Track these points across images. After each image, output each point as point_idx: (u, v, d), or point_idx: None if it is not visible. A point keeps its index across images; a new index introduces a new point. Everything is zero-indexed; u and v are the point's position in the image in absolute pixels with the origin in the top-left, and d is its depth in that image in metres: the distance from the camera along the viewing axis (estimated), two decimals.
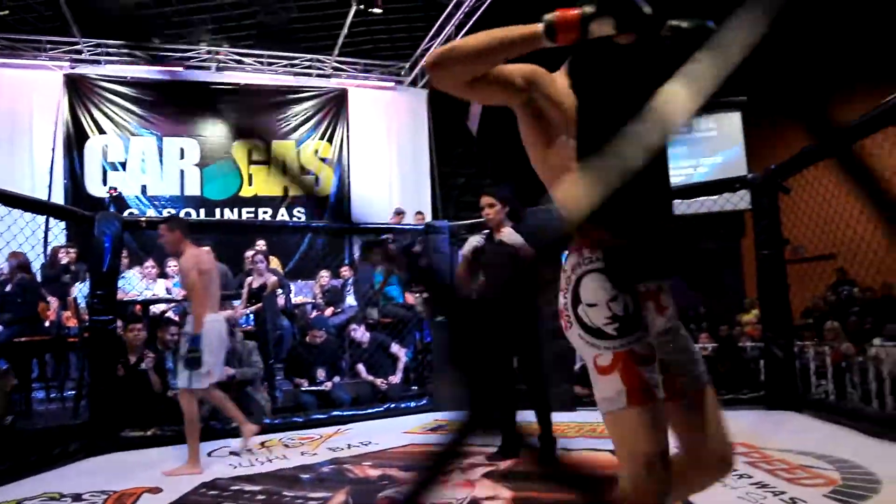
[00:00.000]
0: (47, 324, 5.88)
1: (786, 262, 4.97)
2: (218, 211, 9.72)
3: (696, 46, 1.11)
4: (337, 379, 5.90)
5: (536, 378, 3.86)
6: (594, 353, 1.43)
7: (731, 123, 11.02)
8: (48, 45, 9.19)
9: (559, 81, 1.50)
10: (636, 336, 1.40)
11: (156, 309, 6.37)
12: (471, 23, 9.25)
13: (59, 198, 8.83)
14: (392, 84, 10.89)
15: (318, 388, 5.71)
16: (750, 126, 10.89)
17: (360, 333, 6.17)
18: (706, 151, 11.12)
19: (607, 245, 1.44)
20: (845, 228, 4.89)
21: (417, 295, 6.71)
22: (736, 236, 10.24)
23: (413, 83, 10.86)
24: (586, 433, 4.63)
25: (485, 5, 8.94)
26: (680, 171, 11.11)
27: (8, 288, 5.63)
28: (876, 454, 3.46)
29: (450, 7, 9.17)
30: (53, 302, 6.05)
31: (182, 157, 9.71)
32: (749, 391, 5.21)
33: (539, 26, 1.33)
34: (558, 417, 5.10)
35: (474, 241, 4.00)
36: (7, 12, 8.60)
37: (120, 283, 5.80)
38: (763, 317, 5.26)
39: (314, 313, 7.10)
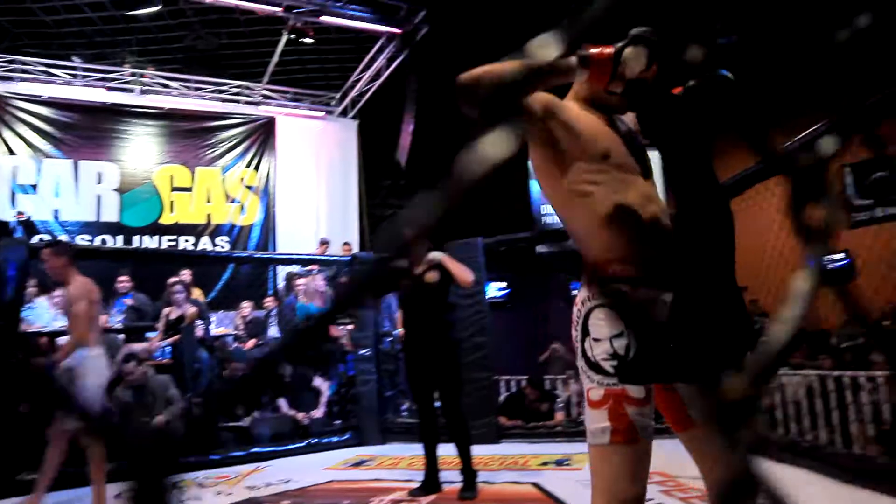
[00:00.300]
0: None
1: None
2: (137, 238, 9.35)
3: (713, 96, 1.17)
4: (257, 414, 5.72)
5: (455, 411, 3.86)
6: (588, 385, 1.45)
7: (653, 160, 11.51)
8: None
9: (573, 109, 1.55)
10: (633, 379, 1.40)
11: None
12: (401, 56, 9.37)
13: None
14: (322, 114, 10.86)
15: (237, 423, 5.52)
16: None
17: (282, 366, 6.02)
18: None
19: (617, 279, 1.46)
20: (755, 262, 5.15)
21: (342, 327, 6.62)
22: None
23: (343, 113, 10.87)
24: (509, 465, 4.65)
25: (415, 41, 9.08)
26: None
27: None
28: (782, 478, 3.60)
29: (381, 40, 9.26)
30: None
31: (99, 181, 9.32)
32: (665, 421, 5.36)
33: (573, 59, 1.39)
34: (482, 450, 5.11)
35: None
36: None
37: (27, 313, 5.49)
38: None
39: (235, 345, 6.89)
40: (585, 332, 1.46)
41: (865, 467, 3.65)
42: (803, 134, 3.79)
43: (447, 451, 3.90)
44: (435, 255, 3.88)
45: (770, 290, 8.72)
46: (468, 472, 3.84)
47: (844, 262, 8.80)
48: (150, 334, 6.07)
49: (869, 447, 4.03)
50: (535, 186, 11.99)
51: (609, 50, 1.38)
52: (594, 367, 1.43)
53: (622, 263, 1.46)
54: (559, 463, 4.62)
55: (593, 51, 1.39)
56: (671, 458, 4.41)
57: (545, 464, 4.63)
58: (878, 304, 6.63)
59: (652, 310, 1.44)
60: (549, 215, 11.83)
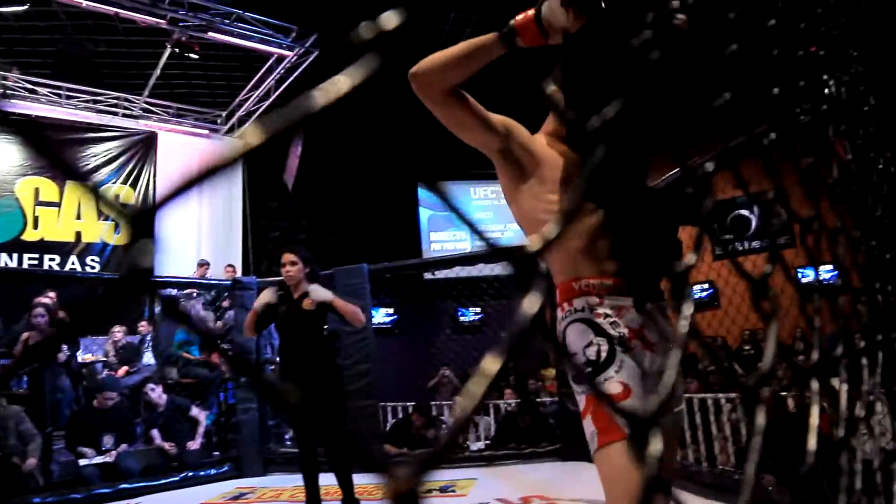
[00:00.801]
0: None
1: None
2: None
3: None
4: (124, 447, 5.34)
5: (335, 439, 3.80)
6: (577, 399, 1.47)
7: None
8: None
9: (537, 138, 1.60)
10: (603, 377, 1.41)
11: None
12: (291, 78, 9.27)
13: None
14: (207, 132, 10.50)
15: (102, 458, 5.13)
16: None
17: (157, 395, 5.69)
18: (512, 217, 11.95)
19: (583, 293, 1.49)
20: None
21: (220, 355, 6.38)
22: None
23: (229, 132, 10.56)
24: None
25: (306, 63, 9.02)
26: (488, 235, 11.80)
27: None
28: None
29: (271, 61, 9.12)
30: None
31: None
32: (547, 444, 5.55)
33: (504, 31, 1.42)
34: (366, 479, 5.05)
35: (267, 295, 3.91)
36: None
37: None
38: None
39: (105, 372, 6.43)
40: (566, 352, 1.50)
41: (725, 483, 3.95)
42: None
43: (329, 480, 3.83)
44: (323, 293, 3.81)
45: None
46: (350, 502, 3.79)
47: (708, 291, 9.54)
48: (1, 361, 5.56)
49: (730, 463, 4.35)
50: (423, 214, 12.19)
51: (530, 11, 1.43)
52: (575, 379, 1.47)
53: (591, 278, 1.51)
54: (443, 490, 4.66)
55: (517, 17, 1.44)
56: (551, 481, 4.59)
57: (429, 491, 4.63)
58: (736, 331, 7.21)
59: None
60: (437, 242, 12.06)
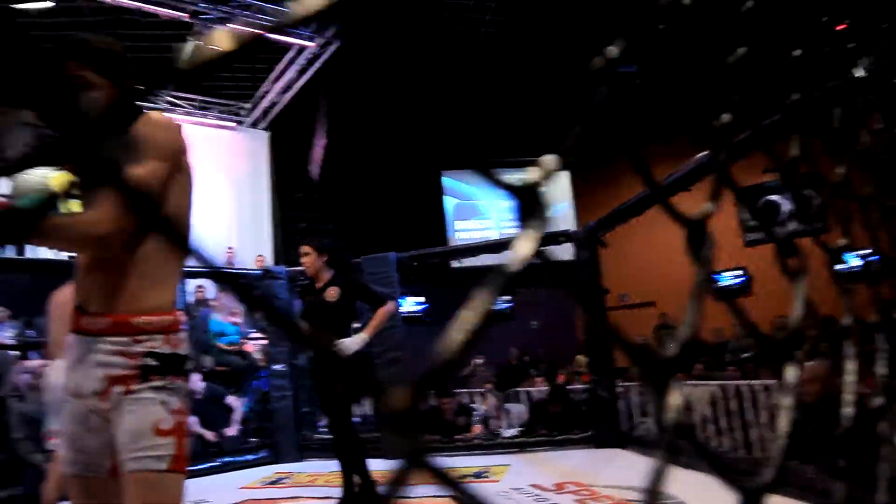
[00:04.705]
0: None
1: (609, 308, 5.42)
2: (29, 249, 8.72)
3: None
4: None
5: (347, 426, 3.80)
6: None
7: (560, 180, 11.94)
8: None
9: None
10: None
11: None
12: (313, 68, 9.29)
13: None
14: (233, 124, 10.57)
15: None
16: (579, 185, 11.90)
17: (194, 382, 5.79)
18: None
19: None
20: (661, 278, 5.46)
21: (257, 342, 6.46)
22: (568, 285, 10.99)
23: (254, 124, 10.62)
24: (427, 480, 4.65)
25: (328, 53, 9.04)
26: (511, 226, 11.83)
27: None
28: (690, 484, 3.80)
29: (292, 52, 9.15)
30: None
31: None
32: (579, 431, 5.55)
33: None
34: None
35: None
36: None
37: None
38: (589, 361, 5.67)
39: None
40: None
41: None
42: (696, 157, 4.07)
43: (375, 466, 3.85)
44: (352, 345, 3.65)
45: (676, 303, 9.21)
46: (350, 488, 3.78)
47: (741, 278, 9.44)
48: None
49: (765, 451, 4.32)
50: (448, 203, 12.20)
51: None
52: None
53: None
54: (477, 475, 4.68)
55: None
56: (584, 467, 4.59)
57: (463, 477, 4.65)
58: (768, 317, 7.13)
59: None
60: (463, 231, 12.06)
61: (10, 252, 8.50)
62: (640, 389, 6.15)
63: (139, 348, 1.45)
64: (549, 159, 0.38)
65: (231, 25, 8.20)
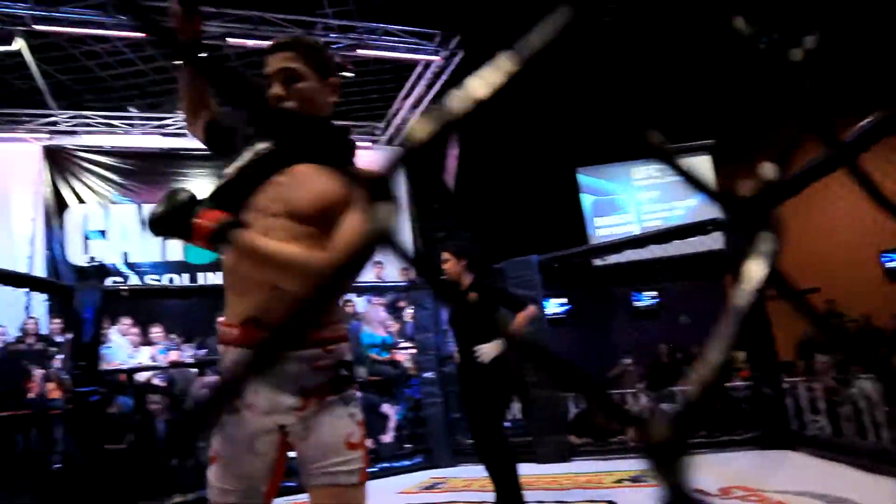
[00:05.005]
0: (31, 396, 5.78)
1: (768, 298, 5.04)
2: (201, 276, 9.64)
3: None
4: None
5: (494, 432, 3.78)
6: None
7: (703, 166, 11.32)
8: (25, 118, 9.23)
9: None
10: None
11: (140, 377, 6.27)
12: (440, 82, 9.50)
13: (40, 267, 8.72)
14: (369, 144, 11.05)
15: None
16: (721, 167, 11.21)
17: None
18: (681, 194, 11.39)
19: None
20: (825, 263, 5.01)
21: (407, 352, 6.68)
22: (720, 276, 10.38)
23: (389, 142, 11.03)
24: (582, 484, 4.58)
25: (453, 65, 9.20)
26: (657, 215, 11.35)
27: None
28: (873, 491, 3.45)
29: (419, 67, 9.41)
30: (37, 375, 5.95)
31: None
32: (743, 431, 5.21)
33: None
34: (553, 469, 5.06)
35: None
36: None
37: (105, 351, 5.72)
38: (749, 356, 5.30)
39: None
40: None
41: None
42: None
43: (527, 470, 3.84)
44: (491, 351, 3.65)
45: (845, 289, 8.42)
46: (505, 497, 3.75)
47: None
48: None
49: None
50: (586, 200, 11.96)
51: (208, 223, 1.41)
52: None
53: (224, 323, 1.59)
54: (635, 479, 4.53)
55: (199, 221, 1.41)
56: (752, 470, 4.29)
57: (620, 481, 4.55)
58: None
59: None
60: (604, 227, 11.77)
61: (185, 280, 9.44)
62: (808, 385, 5.67)
63: (329, 359, 1.46)
64: (768, 167, 0.36)
65: (359, 51, 8.60)
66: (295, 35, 1.58)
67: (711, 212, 9.84)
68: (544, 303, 6.56)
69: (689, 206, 11.24)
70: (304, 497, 1.52)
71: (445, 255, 3.89)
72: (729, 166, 10.74)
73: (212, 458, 1.43)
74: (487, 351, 3.66)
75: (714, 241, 5.54)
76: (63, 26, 7.60)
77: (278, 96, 1.49)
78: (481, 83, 0.30)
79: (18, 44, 7.60)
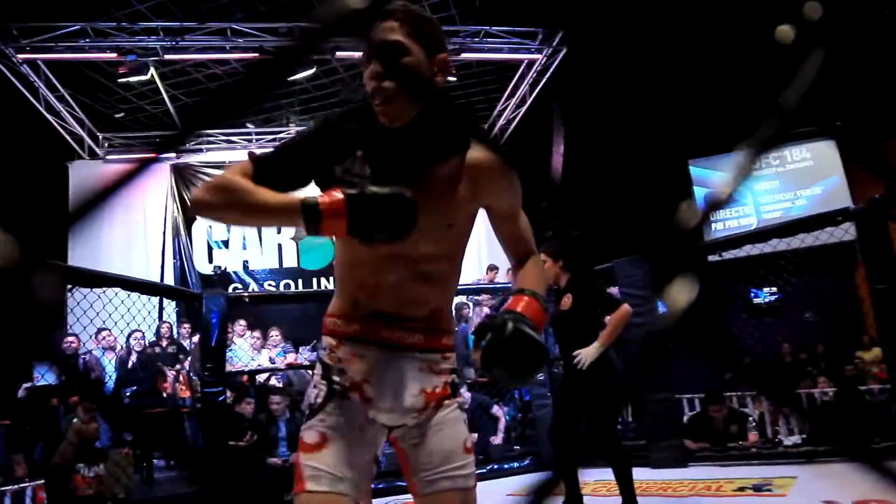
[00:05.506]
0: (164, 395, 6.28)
1: None
2: (315, 281, 10.08)
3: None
4: None
5: (609, 437, 3.67)
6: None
7: (827, 152, 10.54)
8: (157, 140, 10.03)
9: None
10: (309, 423, 1.44)
11: (260, 378, 6.65)
12: (544, 80, 9.40)
13: (170, 276, 9.46)
14: None
15: None
16: (849, 152, 10.38)
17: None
18: (803, 183, 10.67)
19: None
20: None
21: None
22: (848, 269, 9.63)
23: None
24: (700, 491, 4.39)
25: (556, 62, 9.09)
26: (776, 206, 10.68)
27: (130, 364, 6.09)
28: None
29: (522, 67, 9.37)
30: (170, 375, 6.45)
31: (279, 231, 10.20)
32: (880, 440, 4.81)
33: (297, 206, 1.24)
34: (668, 474, 4.88)
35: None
36: (123, 114, 9.57)
37: (229, 354, 6.11)
38: (887, 356, 4.88)
39: None
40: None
41: None
42: None
43: (640, 475, 3.73)
44: (589, 354, 3.58)
45: None
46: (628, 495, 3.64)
47: None
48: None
49: None
50: (699, 193, 11.43)
51: (339, 195, 1.23)
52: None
53: (337, 317, 1.54)
54: (757, 488, 4.29)
55: (324, 198, 1.23)
56: (892, 484, 3.95)
57: (741, 489, 4.32)
58: None
59: None
60: (719, 221, 11.22)
61: (300, 285, 9.90)
62: None
63: (446, 365, 1.48)
64: None
65: (463, 55, 8.69)
66: (400, 2, 1.37)
67: (838, 199, 9.15)
68: (658, 302, 6.34)
69: (812, 196, 10.50)
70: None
71: (543, 257, 3.85)
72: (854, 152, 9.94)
73: (318, 445, 1.36)
74: (586, 354, 3.59)
75: (842, 233, 5.13)
76: (189, 53, 8.24)
77: (378, 73, 1.30)
78: None
79: (151, 73, 8.31)
